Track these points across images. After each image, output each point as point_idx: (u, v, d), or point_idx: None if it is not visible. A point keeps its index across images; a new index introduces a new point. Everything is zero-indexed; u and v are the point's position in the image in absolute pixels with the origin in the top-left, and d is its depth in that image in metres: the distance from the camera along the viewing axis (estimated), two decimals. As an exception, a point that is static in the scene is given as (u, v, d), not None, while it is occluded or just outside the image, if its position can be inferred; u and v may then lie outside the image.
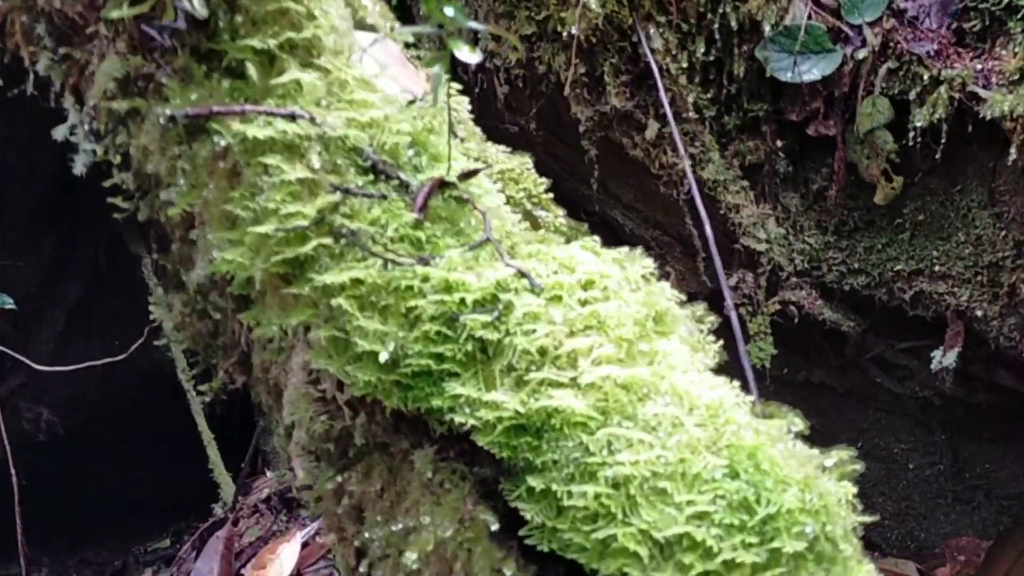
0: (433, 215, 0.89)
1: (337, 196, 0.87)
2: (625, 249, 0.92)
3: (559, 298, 0.82)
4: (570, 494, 0.72)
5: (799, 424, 0.73)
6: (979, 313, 1.70)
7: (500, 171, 1.19)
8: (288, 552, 1.70)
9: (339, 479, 0.88)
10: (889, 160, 1.63)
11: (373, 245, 0.85)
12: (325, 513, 0.96)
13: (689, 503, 0.67)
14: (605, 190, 1.89)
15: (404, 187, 0.92)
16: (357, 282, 0.83)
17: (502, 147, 1.23)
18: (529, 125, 1.80)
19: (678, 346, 0.82)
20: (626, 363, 0.77)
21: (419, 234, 0.87)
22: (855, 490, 0.72)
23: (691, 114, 1.69)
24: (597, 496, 0.71)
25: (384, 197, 0.89)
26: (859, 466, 0.70)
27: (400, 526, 0.83)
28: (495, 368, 0.80)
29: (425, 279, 0.82)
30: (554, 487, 0.74)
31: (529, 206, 1.20)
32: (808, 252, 1.79)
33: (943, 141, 1.56)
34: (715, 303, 1.08)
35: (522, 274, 0.83)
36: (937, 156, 1.57)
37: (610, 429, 0.73)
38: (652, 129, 1.72)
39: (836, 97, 1.64)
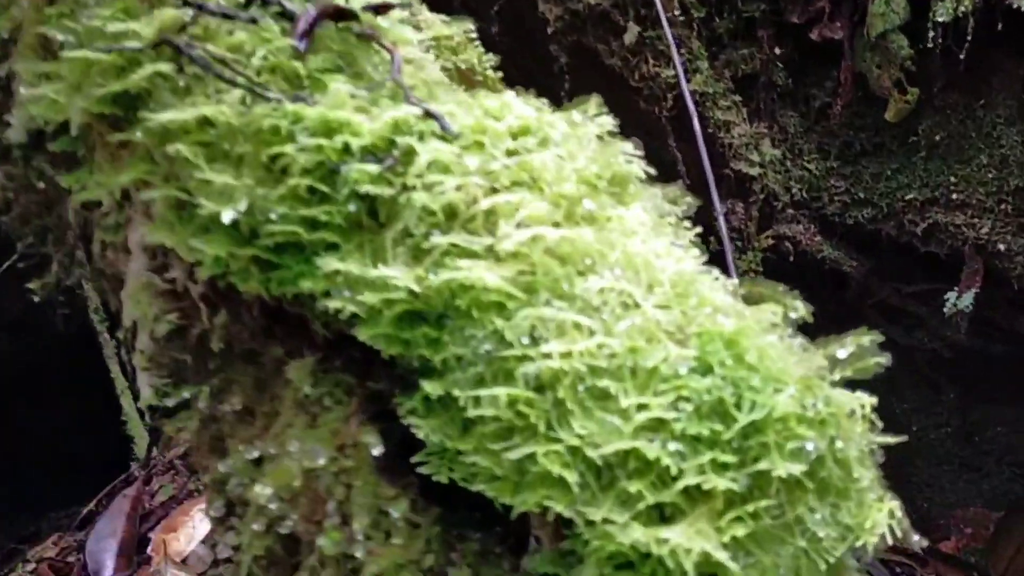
0: (321, 46, 0.67)
1: (187, 13, 0.65)
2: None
3: (479, 145, 0.61)
4: (477, 401, 0.52)
5: (800, 309, 0.52)
6: (1001, 247, 1.51)
7: (434, 37, 0.97)
8: (202, 514, 1.49)
9: (187, 395, 0.67)
10: (904, 69, 1.42)
11: (233, 76, 0.63)
12: (187, 445, 0.74)
13: (640, 408, 0.46)
14: (578, 110, 1.67)
15: (288, 19, 0.69)
16: (205, 123, 0.62)
17: (442, 16, 1.00)
18: (491, 29, 1.58)
19: (639, 213, 0.60)
20: (564, 227, 0.56)
21: (298, 67, 0.65)
22: (874, 400, 0.51)
23: (677, 15, 1.47)
24: (512, 402, 0.50)
25: (254, 21, 0.67)
26: (884, 359, 0.49)
27: (257, 454, 0.62)
28: (387, 236, 0.58)
29: (297, 119, 0.61)
30: (457, 393, 0.53)
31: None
32: (807, 179, 1.59)
33: (967, 41, 1.34)
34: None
35: (430, 114, 0.62)
36: (961, 58, 1.36)
37: (535, 310, 0.52)
38: (632, 33, 1.49)
39: (844, -6, 1.42)
